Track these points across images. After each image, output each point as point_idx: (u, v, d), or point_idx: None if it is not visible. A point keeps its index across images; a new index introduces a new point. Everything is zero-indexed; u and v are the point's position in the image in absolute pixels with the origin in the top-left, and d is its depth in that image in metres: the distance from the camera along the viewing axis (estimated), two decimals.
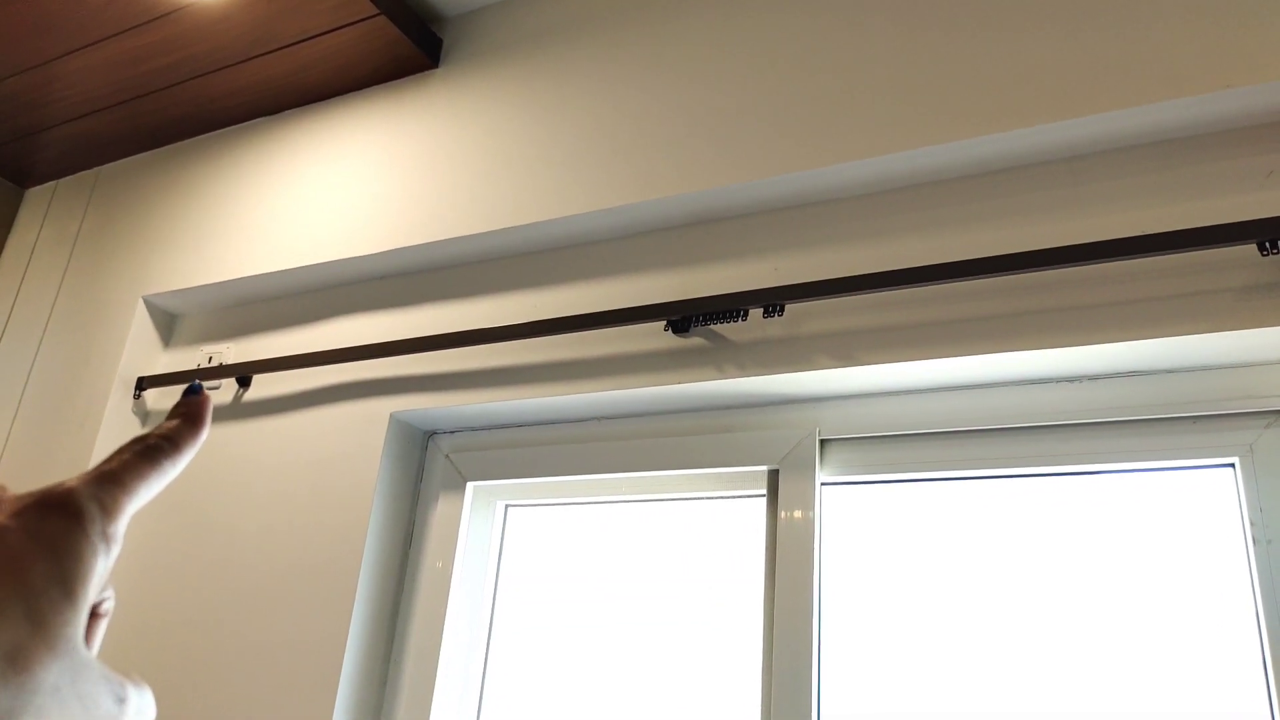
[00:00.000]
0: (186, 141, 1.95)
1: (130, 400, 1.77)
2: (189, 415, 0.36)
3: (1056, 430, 1.15)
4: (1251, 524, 1.02)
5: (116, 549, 0.30)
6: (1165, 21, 1.08)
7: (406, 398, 1.50)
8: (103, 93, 1.81)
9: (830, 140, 1.24)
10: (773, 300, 1.22)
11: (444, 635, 1.40)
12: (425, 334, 1.52)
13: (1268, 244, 0.97)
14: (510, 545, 1.50)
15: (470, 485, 1.50)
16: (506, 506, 1.53)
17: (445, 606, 1.42)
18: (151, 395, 1.80)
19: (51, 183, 2.15)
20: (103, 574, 0.29)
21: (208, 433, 0.36)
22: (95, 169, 2.08)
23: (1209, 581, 1.04)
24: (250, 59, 1.69)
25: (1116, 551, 1.09)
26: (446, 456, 1.54)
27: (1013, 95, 1.14)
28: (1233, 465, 1.06)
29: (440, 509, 1.50)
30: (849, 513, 1.26)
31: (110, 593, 0.33)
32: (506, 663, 1.42)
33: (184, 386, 1.63)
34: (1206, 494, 1.07)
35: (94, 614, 0.34)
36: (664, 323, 1.32)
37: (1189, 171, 1.08)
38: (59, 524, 0.28)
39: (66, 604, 0.27)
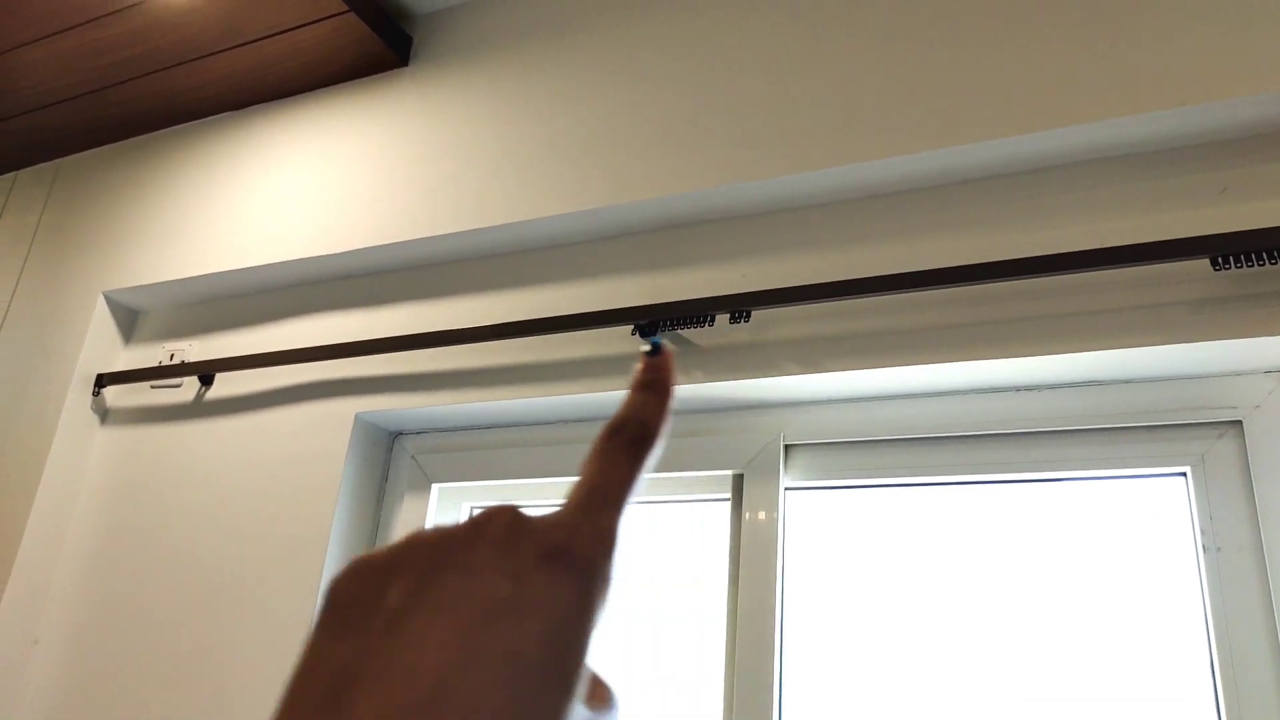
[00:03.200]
0: (149, 135, 1.92)
1: (89, 397, 1.74)
2: (657, 384, 0.30)
3: (1015, 438, 1.17)
4: (1202, 532, 1.04)
5: (613, 591, 0.25)
6: (1123, 41, 1.11)
7: (372, 398, 1.49)
8: (64, 84, 1.78)
9: (796, 148, 1.25)
10: (739, 306, 1.23)
11: None
12: (392, 334, 1.51)
13: (1220, 259, 1.00)
14: None
15: (436, 487, 1.50)
16: (472, 509, 1.53)
17: None
18: (111, 392, 1.77)
19: (10, 174, 2.11)
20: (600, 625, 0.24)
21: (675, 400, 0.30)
22: (55, 161, 2.04)
23: (1160, 587, 1.06)
24: (216, 53, 1.67)
25: (1071, 557, 1.11)
26: (412, 457, 1.53)
27: (976, 108, 1.16)
28: (1185, 474, 1.08)
29: (405, 510, 1.50)
30: (812, 517, 1.27)
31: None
32: None
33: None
34: (1159, 502, 1.10)
35: None
36: (631, 326, 1.32)
37: (1146, 186, 1.10)
38: (567, 589, 0.23)
39: (567, 707, 0.21)
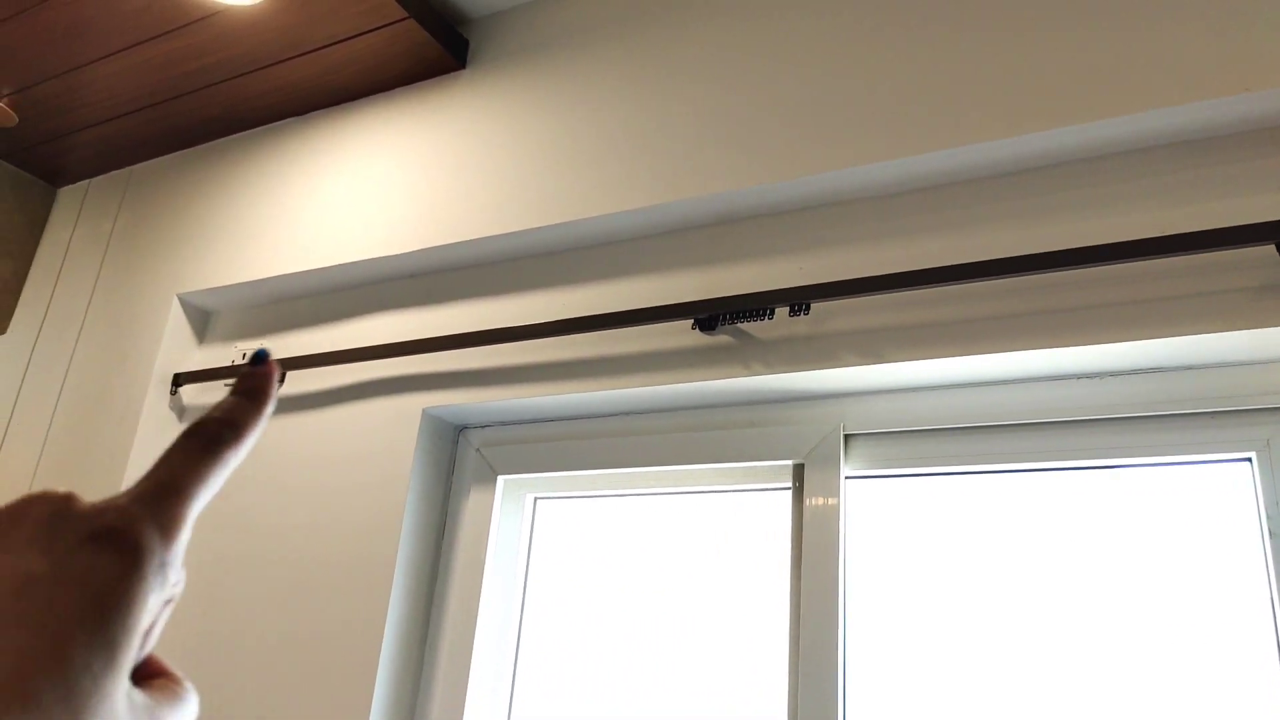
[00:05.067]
0: (217, 142, 1.99)
1: (167, 396, 1.81)
2: (252, 390, 0.31)
3: (1077, 426, 1.18)
4: (1268, 516, 1.05)
5: (175, 573, 0.26)
6: (1182, 26, 1.10)
7: (438, 394, 1.54)
8: (135, 95, 1.85)
9: (851, 142, 1.27)
10: (799, 299, 1.25)
11: (478, 625, 1.45)
12: (456, 331, 1.56)
13: None
14: (539, 537, 1.55)
15: (501, 478, 1.54)
16: (536, 499, 1.57)
17: (478, 597, 1.46)
18: (188, 391, 1.84)
19: (84, 182, 2.19)
20: (156, 607, 0.25)
21: (273, 407, 0.32)
22: (127, 168, 2.12)
23: (1227, 573, 1.07)
24: (281, 62, 1.73)
25: (1136, 543, 1.12)
26: (477, 450, 1.58)
27: (1031, 99, 1.16)
28: (1250, 459, 1.09)
29: (472, 502, 1.55)
30: (873, 505, 1.29)
31: (179, 576, 0.29)
32: (537, 653, 1.46)
33: (232, 376, 1.66)
34: (1224, 487, 1.10)
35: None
36: (691, 321, 1.35)
37: (1208, 173, 1.10)
38: (109, 566, 0.24)
39: (110, 675, 0.23)
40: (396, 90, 1.77)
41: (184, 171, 2.01)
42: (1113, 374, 1.17)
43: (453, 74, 1.72)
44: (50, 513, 0.25)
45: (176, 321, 1.86)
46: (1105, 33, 1.15)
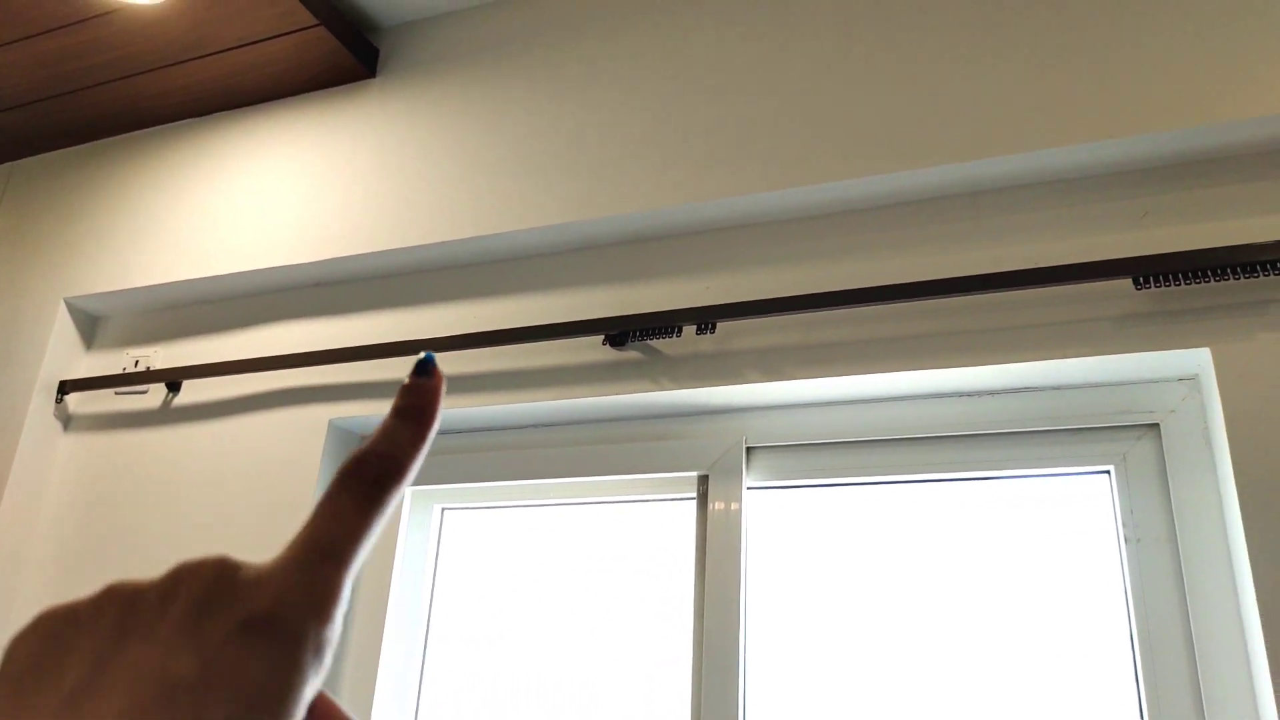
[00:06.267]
0: (112, 139, 1.92)
1: (52, 404, 1.74)
2: (416, 410, 0.26)
3: (958, 440, 1.27)
4: (1124, 525, 1.16)
5: (331, 652, 0.23)
6: (1055, 75, 1.21)
7: (345, 404, 1.53)
8: (20, 89, 1.77)
9: (756, 169, 1.33)
10: (705, 318, 1.31)
11: (384, 634, 1.45)
12: (365, 342, 1.55)
13: (1141, 279, 1.11)
14: (447, 547, 1.56)
15: (409, 490, 1.54)
16: (444, 510, 1.58)
17: (385, 606, 1.47)
18: (74, 399, 1.77)
19: None
20: (311, 694, 0.22)
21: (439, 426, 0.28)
22: (9, 164, 2.02)
23: (1089, 574, 1.18)
24: (183, 62, 1.68)
25: (1009, 549, 1.22)
26: None
27: (924, 135, 1.25)
28: (1109, 472, 1.20)
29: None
30: (772, 514, 1.36)
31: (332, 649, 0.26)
32: (444, 662, 1.47)
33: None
34: (1087, 497, 1.21)
35: None
36: (602, 337, 1.39)
37: (1076, 210, 1.21)
38: (264, 661, 0.21)
39: None
40: (304, 96, 1.75)
41: (73, 168, 1.93)
42: (990, 393, 1.27)
43: (363, 82, 1.71)
44: (202, 592, 0.22)
45: (63, 326, 1.79)
46: (987, 80, 1.25)
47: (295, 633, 0.21)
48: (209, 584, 0.22)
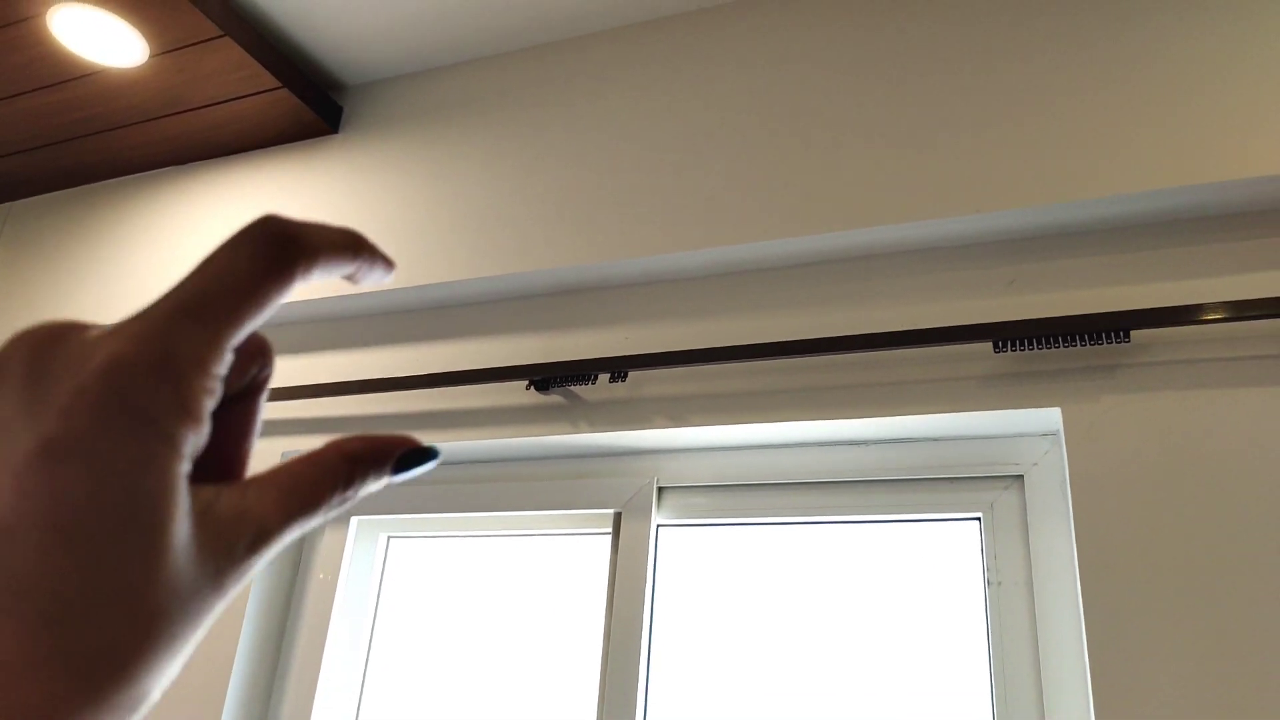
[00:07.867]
0: (99, 184, 2.06)
1: None
2: (357, 240, 0.25)
3: (846, 485, 1.37)
4: (988, 569, 1.25)
5: (205, 417, 0.20)
6: (932, 153, 1.32)
7: (294, 439, 1.65)
8: (19, 137, 1.92)
9: (672, 230, 1.44)
10: (618, 367, 1.41)
11: (325, 653, 1.56)
12: (313, 381, 1.67)
13: (1000, 343, 1.20)
14: (391, 573, 1.67)
15: (354, 519, 1.66)
16: (389, 538, 1.69)
17: (326, 630, 1.58)
18: None
19: None
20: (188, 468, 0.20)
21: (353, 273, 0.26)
22: (6, 204, 2.17)
23: (957, 614, 1.27)
24: (162, 117, 1.82)
25: (890, 587, 1.32)
26: None
27: (815, 204, 1.36)
28: (978, 519, 1.29)
29: (325, 542, 1.66)
30: (681, 550, 1.46)
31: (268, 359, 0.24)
32: (382, 684, 1.58)
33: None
34: (958, 542, 1.30)
35: (252, 391, 0.24)
36: (527, 382, 1.50)
37: (950, 276, 1.31)
38: (113, 433, 0.18)
39: (146, 551, 0.19)
40: (274, 148, 1.89)
41: (65, 211, 2.07)
42: (876, 442, 1.37)
43: (326, 137, 1.84)
44: (36, 358, 0.19)
45: None
46: (870, 154, 1.36)
47: (137, 402, 0.19)
48: (43, 348, 0.20)
